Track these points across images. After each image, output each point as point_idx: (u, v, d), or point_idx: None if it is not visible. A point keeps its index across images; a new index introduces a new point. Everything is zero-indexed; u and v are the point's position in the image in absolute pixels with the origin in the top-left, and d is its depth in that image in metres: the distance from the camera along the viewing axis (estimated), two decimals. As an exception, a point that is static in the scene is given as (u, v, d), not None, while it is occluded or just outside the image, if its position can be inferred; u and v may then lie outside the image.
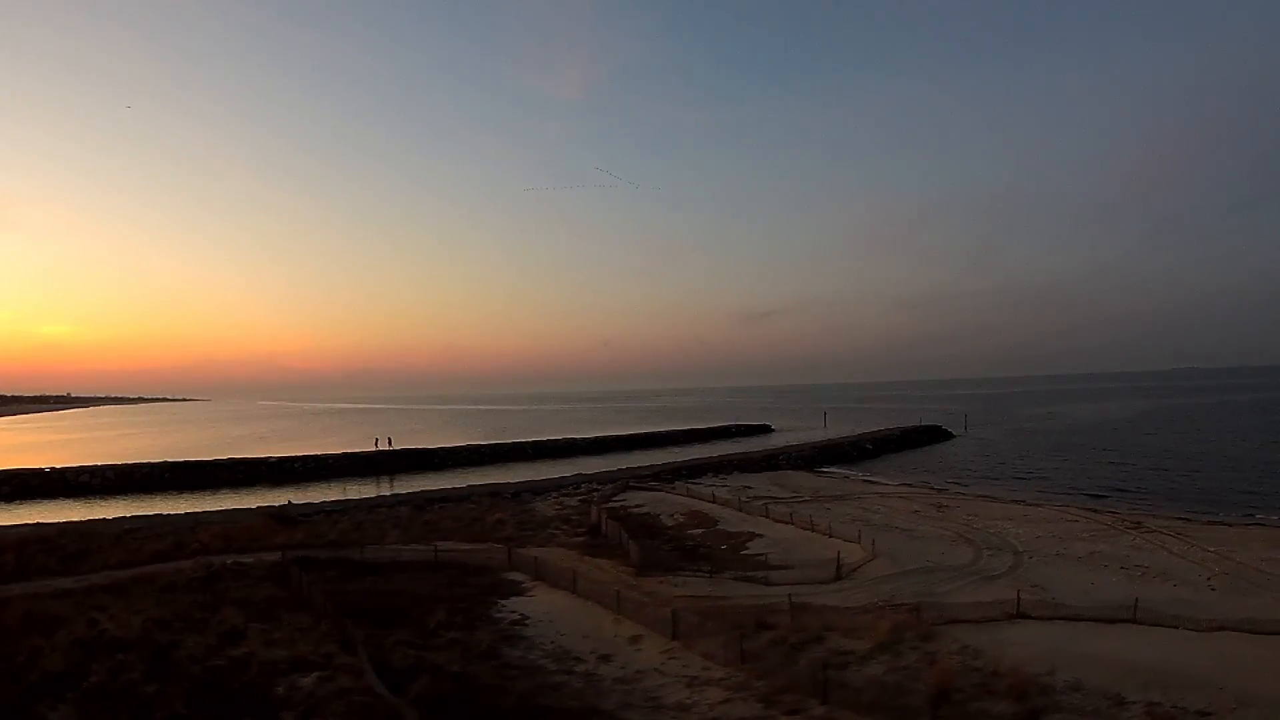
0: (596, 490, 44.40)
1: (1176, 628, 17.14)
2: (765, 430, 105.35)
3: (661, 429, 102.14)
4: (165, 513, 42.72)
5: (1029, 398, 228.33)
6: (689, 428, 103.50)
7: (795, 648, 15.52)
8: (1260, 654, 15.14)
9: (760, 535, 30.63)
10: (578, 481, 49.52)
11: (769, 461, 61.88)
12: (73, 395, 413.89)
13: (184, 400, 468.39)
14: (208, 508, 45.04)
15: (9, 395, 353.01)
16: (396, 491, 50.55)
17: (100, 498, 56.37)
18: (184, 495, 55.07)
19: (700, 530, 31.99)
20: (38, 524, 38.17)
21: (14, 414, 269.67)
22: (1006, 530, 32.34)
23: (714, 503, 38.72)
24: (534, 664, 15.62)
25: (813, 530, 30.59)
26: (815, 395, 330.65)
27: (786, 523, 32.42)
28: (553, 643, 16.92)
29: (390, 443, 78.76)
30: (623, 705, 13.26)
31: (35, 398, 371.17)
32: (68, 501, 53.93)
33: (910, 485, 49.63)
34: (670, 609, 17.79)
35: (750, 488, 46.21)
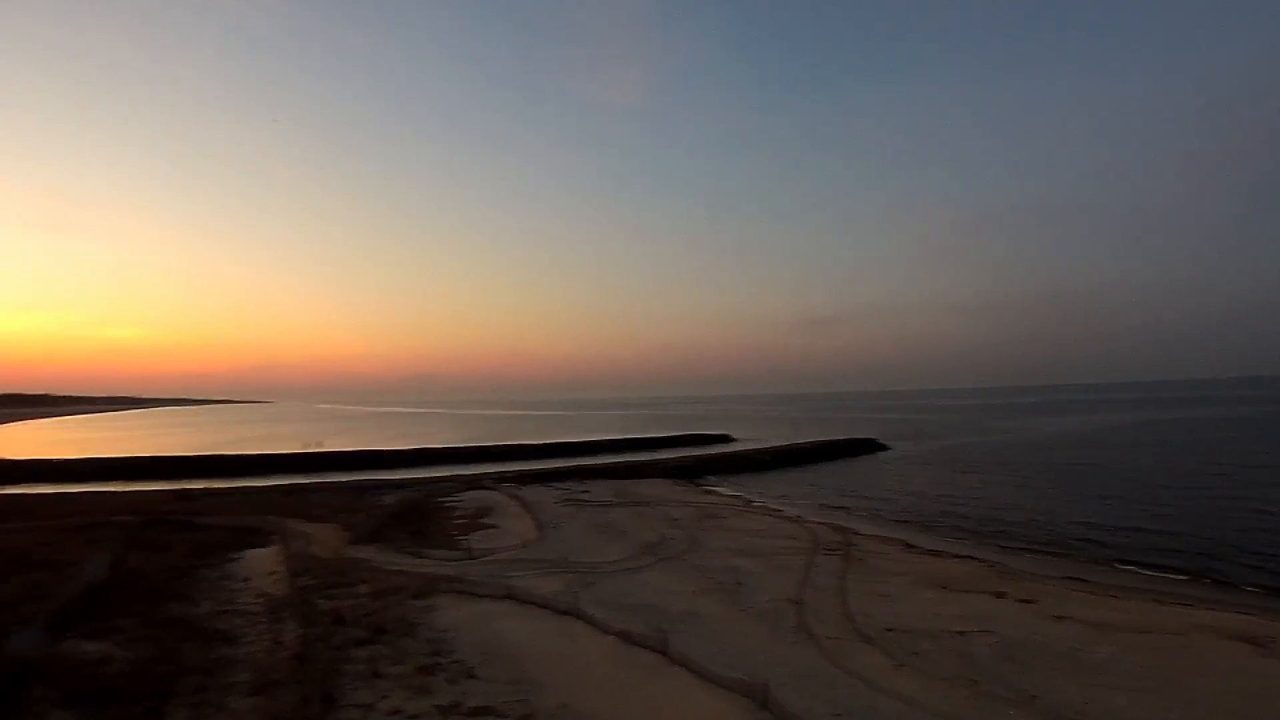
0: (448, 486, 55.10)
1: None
2: (724, 439, 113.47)
3: (611, 436, 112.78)
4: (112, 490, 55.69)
5: (1031, 409, 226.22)
6: (643, 436, 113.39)
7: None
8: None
9: (496, 526, 39.69)
10: (450, 480, 60.22)
11: (643, 470, 71.59)
12: (136, 397, 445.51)
13: (245, 403, 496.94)
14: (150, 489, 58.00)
15: (75, 396, 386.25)
16: (320, 481, 62.01)
17: (85, 482, 69.73)
18: (157, 481, 68.19)
19: (465, 521, 41.55)
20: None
21: (75, 413, 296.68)
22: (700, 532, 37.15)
23: (515, 501, 48.44)
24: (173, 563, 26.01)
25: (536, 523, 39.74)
26: (867, 401, 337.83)
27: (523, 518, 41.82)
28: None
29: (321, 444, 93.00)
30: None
31: (99, 399, 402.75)
32: (51, 484, 67.82)
33: (746, 497, 57.27)
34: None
35: (587, 491, 55.42)
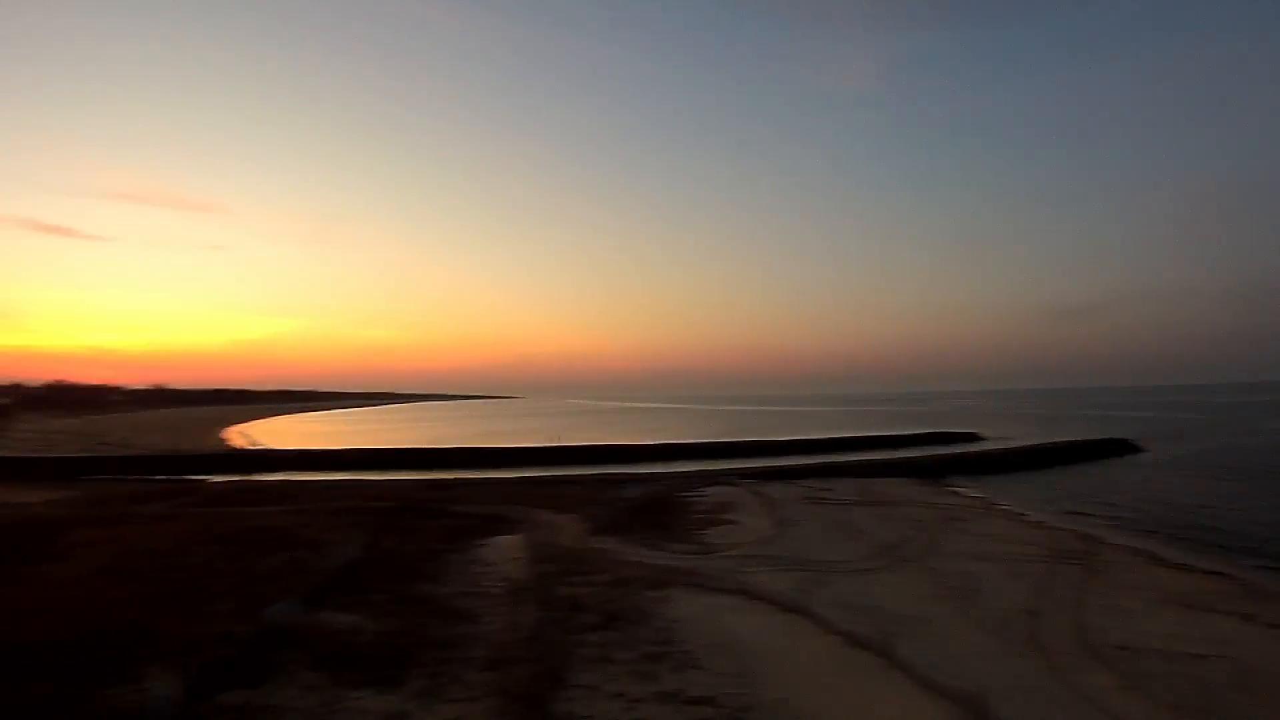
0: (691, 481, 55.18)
1: None
2: (970, 438, 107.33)
3: (854, 434, 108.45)
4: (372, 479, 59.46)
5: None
6: (886, 434, 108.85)
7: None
8: None
9: (734, 522, 39.47)
10: (693, 475, 60.27)
11: (886, 468, 68.98)
12: (394, 393, 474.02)
13: (496, 398, 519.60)
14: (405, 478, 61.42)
15: (338, 392, 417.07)
16: (566, 473, 63.83)
17: (345, 470, 74.54)
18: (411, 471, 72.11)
19: (704, 516, 41.50)
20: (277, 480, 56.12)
21: (338, 408, 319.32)
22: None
23: (756, 498, 47.95)
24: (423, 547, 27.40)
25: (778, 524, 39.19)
26: (1123, 397, 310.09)
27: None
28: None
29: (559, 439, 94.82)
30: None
31: (359, 394, 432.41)
32: (315, 472, 72.89)
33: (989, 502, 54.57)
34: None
35: (829, 490, 54.37)
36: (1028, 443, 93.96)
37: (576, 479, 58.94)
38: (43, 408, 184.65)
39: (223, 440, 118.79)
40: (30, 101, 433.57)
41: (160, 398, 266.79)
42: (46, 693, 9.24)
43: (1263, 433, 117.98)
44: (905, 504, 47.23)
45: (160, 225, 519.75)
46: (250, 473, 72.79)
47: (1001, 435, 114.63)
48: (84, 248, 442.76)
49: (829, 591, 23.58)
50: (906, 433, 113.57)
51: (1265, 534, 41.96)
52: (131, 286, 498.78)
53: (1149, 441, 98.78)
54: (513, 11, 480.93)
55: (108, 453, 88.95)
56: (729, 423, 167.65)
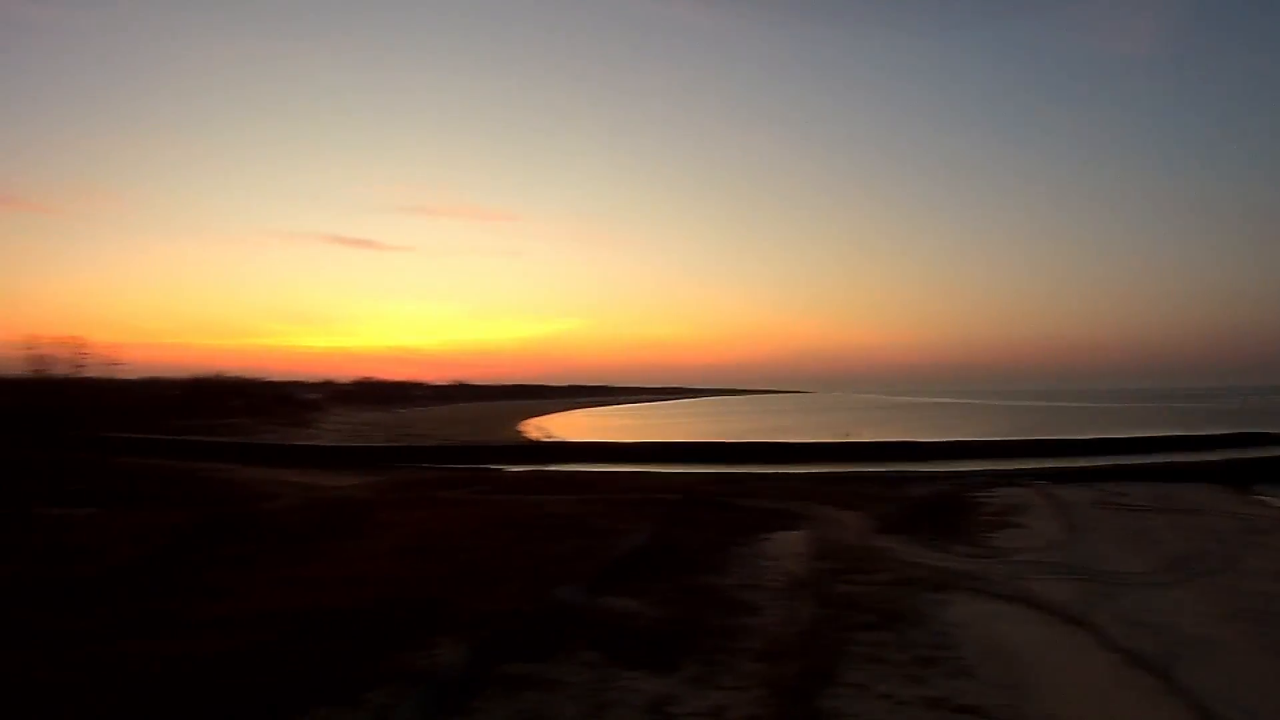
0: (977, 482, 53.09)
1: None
2: None
3: (1152, 433, 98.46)
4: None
5: None
6: (1189, 434, 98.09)
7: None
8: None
9: (1022, 526, 37.63)
10: (983, 474, 57.97)
11: (1187, 472, 62.70)
12: (684, 387, 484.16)
13: (786, 393, 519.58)
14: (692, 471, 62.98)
15: (630, 387, 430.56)
16: (852, 470, 63.29)
17: (635, 462, 76.99)
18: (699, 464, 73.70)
19: (991, 517, 39.92)
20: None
21: (630, 402, 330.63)
22: None
23: (1047, 501, 45.51)
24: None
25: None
26: None
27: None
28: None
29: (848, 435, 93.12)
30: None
31: (651, 389, 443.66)
32: (606, 463, 75.76)
33: None
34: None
35: (1125, 494, 50.82)
36: None
37: (863, 476, 58.13)
38: (352, 402, 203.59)
39: (518, 432, 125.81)
40: (333, 131, 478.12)
41: (459, 393, 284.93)
42: (347, 650, 10.27)
43: None
44: (1204, 513, 43.60)
45: (455, 235, 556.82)
46: (543, 463, 76.54)
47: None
48: (386, 258, 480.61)
49: (1114, 605, 22.17)
50: (1212, 433, 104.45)
51: None
52: (430, 291, 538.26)
53: None
54: (766, 8, 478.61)
55: (410, 443, 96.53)
56: (1021, 419, 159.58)
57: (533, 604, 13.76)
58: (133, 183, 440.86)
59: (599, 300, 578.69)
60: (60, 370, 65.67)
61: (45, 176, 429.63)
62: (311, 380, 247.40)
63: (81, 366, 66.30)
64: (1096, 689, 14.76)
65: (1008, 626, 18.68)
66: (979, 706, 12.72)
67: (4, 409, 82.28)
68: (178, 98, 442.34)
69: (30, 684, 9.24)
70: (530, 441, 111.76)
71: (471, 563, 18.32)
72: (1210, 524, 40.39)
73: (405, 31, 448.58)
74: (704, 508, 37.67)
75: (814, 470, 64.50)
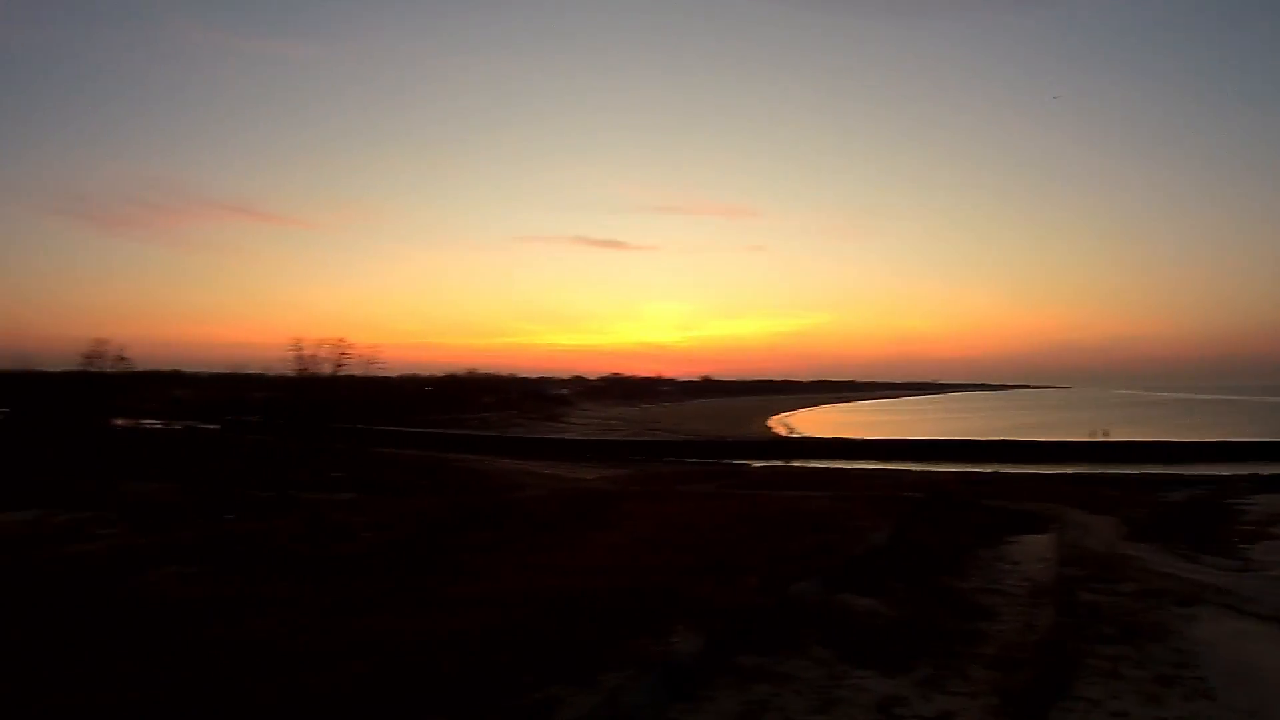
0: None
1: None
2: None
3: None
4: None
5: None
6: None
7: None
8: None
9: None
10: (1246, 479, 53.87)
11: None
12: (935, 383, 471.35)
13: (1040, 388, 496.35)
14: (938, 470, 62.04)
15: (879, 382, 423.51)
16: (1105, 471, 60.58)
17: (880, 459, 76.59)
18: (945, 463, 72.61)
19: (1251, 527, 37.16)
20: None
21: (878, 398, 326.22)
22: None
23: None
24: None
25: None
26: None
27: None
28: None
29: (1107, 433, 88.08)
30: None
31: (899, 384, 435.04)
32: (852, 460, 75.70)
33: None
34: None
35: None
36: None
37: (1116, 478, 55.51)
38: (600, 398, 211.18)
39: (763, 428, 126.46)
40: (577, 137, 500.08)
41: (706, 388, 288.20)
42: (586, 633, 10.90)
43: None
44: None
45: (699, 232, 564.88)
46: (788, 459, 77.11)
47: None
48: (633, 257, 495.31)
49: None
50: None
51: None
52: (676, 288, 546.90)
53: None
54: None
55: (656, 437, 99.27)
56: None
57: (769, 598, 14.10)
58: (388, 197, 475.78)
59: (845, 294, 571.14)
60: (323, 369, 71.64)
61: (307, 195, 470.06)
62: (561, 377, 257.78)
63: (343, 365, 72.04)
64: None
65: (1258, 648, 17.45)
66: (1216, 733, 12.10)
67: (274, 404, 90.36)
68: (426, 116, 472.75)
69: (288, 652, 10.09)
70: (775, 437, 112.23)
71: (711, 555, 18.67)
72: None
73: (645, 38, 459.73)
74: (948, 507, 36.90)
75: (1064, 470, 62.03)
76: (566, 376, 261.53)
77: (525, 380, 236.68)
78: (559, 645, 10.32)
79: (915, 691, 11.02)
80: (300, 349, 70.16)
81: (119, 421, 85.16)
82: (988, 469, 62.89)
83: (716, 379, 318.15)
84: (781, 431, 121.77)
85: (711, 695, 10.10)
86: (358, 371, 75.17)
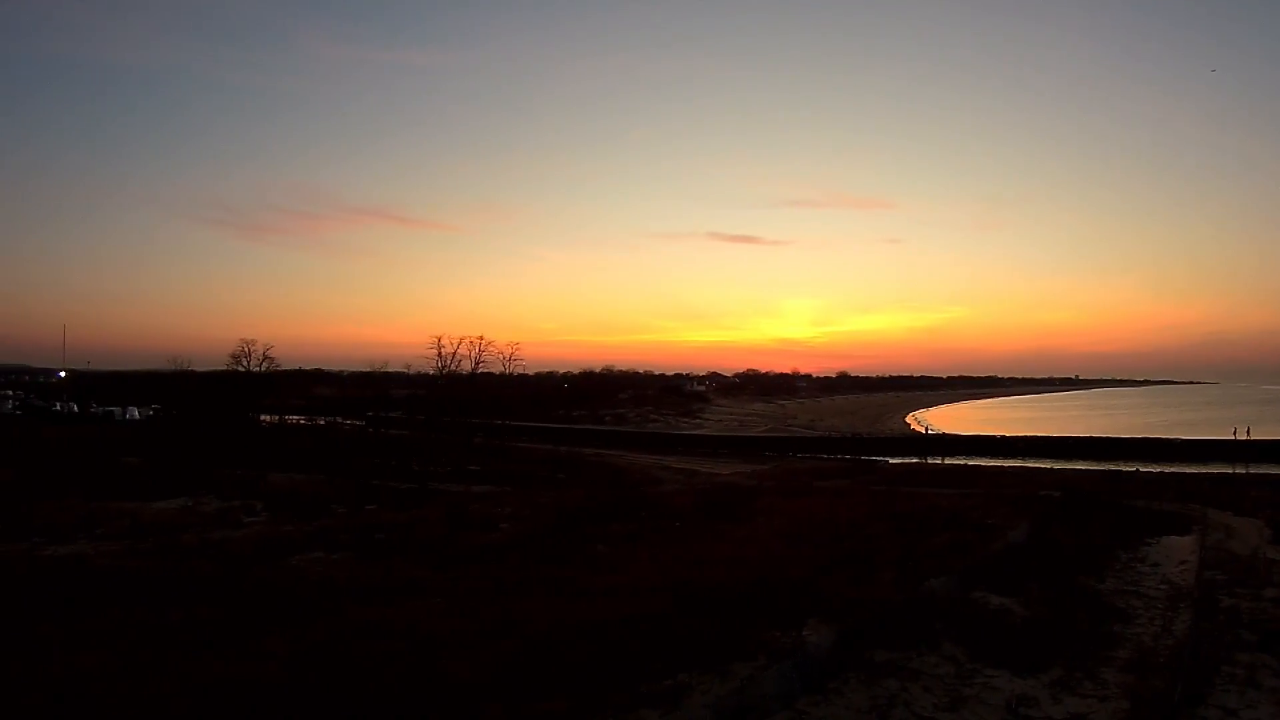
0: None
1: None
2: None
3: None
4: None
5: None
6: None
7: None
8: None
9: None
10: None
11: None
12: (1079, 378, 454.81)
13: (1187, 384, 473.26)
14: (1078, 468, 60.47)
15: (1020, 378, 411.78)
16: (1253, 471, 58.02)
17: (1019, 457, 74.77)
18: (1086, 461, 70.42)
19: None
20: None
21: (1020, 394, 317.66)
22: None
23: None
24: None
25: None
26: None
27: None
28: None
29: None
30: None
31: (1041, 379, 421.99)
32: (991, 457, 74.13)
33: None
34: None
35: None
36: None
37: (1263, 478, 52.81)
38: (737, 394, 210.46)
39: (900, 424, 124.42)
40: (708, 133, 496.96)
41: (842, 384, 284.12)
42: (720, 623, 11.09)
43: None
44: None
45: (833, 226, 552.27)
46: (925, 455, 75.93)
47: None
48: (767, 252, 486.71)
49: None
50: None
51: None
52: (811, 283, 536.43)
53: None
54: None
55: (792, 433, 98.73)
56: None
57: (903, 594, 14.14)
58: (522, 198, 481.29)
59: (983, 287, 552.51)
60: (463, 366, 73.81)
61: (444, 198, 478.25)
62: (698, 373, 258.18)
63: (482, 363, 74.52)
64: None
65: (1405, 665, 16.72)
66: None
67: (415, 400, 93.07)
68: (558, 117, 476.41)
69: (429, 634, 10.49)
70: (911, 434, 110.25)
71: (846, 550, 18.68)
72: None
73: (777, 33, 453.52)
74: (1086, 506, 35.87)
75: (1208, 470, 59.33)
76: (703, 373, 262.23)
77: (661, 377, 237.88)
78: (692, 634, 10.52)
79: (1045, 692, 10.93)
80: (441, 347, 72.19)
81: (265, 417, 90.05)
82: (1128, 468, 60.72)
83: (853, 374, 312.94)
84: (918, 428, 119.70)
85: (841, 688, 10.13)
86: (496, 369, 77.33)
